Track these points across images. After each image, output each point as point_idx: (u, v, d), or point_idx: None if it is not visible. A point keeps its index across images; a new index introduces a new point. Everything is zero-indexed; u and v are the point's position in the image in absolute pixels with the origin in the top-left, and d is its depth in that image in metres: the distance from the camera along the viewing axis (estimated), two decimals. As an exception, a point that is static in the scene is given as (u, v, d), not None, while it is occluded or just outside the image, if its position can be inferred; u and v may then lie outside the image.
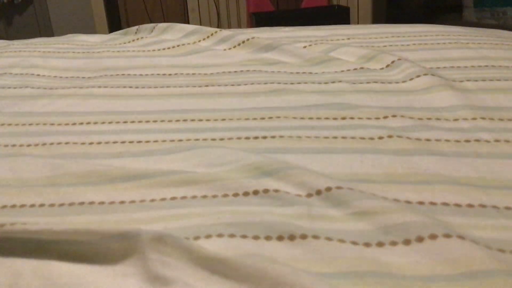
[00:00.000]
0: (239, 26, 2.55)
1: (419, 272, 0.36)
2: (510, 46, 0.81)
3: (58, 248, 0.39)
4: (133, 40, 0.96)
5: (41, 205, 0.46)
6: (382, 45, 0.85)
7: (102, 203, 0.46)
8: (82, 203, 0.46)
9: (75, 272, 0.37)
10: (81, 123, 0.63)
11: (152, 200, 0.46)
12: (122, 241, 0.38)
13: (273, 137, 0.56)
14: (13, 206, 0.46)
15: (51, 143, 0.58)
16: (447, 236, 0.38)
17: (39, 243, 0.39)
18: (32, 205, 0.46)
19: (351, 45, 0.84)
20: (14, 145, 0.58)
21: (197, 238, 0.39)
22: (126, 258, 0.37)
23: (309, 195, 0.45)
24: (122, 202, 0.46)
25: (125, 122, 0.63)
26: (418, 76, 0.70)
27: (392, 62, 0.75)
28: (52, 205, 0.46)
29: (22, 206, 0.46)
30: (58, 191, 0.47)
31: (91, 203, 0.46)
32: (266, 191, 0.45)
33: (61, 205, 0.45)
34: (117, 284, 0.36)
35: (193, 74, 0.78)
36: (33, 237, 0.39)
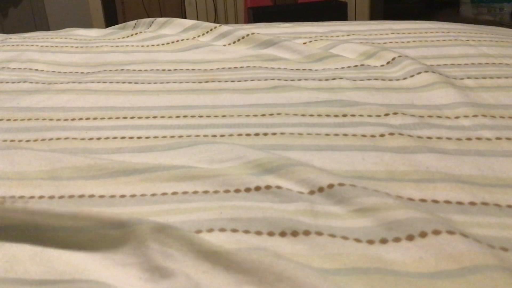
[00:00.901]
0: (236, 20, 2.54)
1: (423, 268, 0.36)
2: (511, 43, 0.81)
3: (56, 236, 0.39)
4: (132, 35, 0.96)
5: (41, 197, 0.45)
6: (382, 42, 0.85)
7: (102, 196, 0.46)
8: (82, 196, 0.46)
9: (74, 260, 0.37)
10: (80, 119, 0.62)
11: (153, 195, 0.46)
12: (122, 229, 0.37)
13: (274, 134, 0.56)
14: (12, 197, 0.45)
15: (50, 139, 0.57)
16: (451, 232, 0.38)
17: (38, 231, 0.39)
18: (31, 197, 0.45)
19: (351, 42, 0.84)
20: (12, 140, 0.57)
21: (199, 232, 0.39)
22: (125, 247, 0.37)
23: (312, 192, 0.45)
24: (122, 196, 0.46)
25: (124, 117, 0.62)
26: (419, 73, 0.70)
27: (393, 59, 0.75)
28: (51, 197, 0.45)
29: (21, 197, 0.45)
30: (57, 184, 0.47)
31: (91, 196, 0.46)
32: (268, 187, 0.45)
33: (61, 197, 0.45)
34: (116, 273, 0.36)
35: (192, 69, 0.78)
36: (31, 222, 0.39)
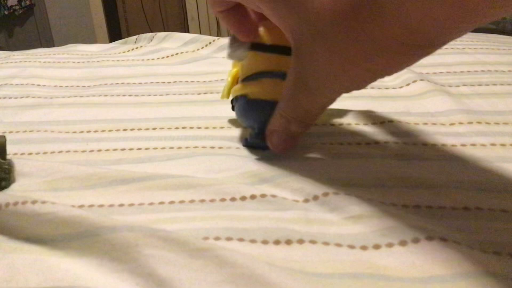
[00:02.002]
0: (238, 34, 2.56)
1: (415, 273, 0.36)
2: (506, 51, 0.82)
3: (55, 244, 0.39)
4: (132, 49, 0.97)
5: None
6: (379, 51, 0.86)
7: (101, 205, 0.46)
8: (82, 206, 0.46)
9: (72, 267, 0.38)
10: (81, 131, 0.63)
11: (151, 203, 0.46)
12: (114, 234, 0.38)
13: None
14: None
15: (52, 152, 0.58)
16: (443, 239, 0.38)
17: (38, 241, 0.40)
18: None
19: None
20: (15, 154, 0.58)
21: None
22: (119, 253, 0.38)
23: (306, 200, 0.45)
24: (121, 205, 0.46)
25: (124, 129, 0.63)
26: (415, 81, 0.70)
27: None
28: None
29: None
30: (59, 195, 0.48)
31: (91, 205, 0.46)
32: (263, 195, 0.46)
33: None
34: (112, 280, 0.36)
35: (192, 81, 0.79)
36: (35, 229, 0.40)
